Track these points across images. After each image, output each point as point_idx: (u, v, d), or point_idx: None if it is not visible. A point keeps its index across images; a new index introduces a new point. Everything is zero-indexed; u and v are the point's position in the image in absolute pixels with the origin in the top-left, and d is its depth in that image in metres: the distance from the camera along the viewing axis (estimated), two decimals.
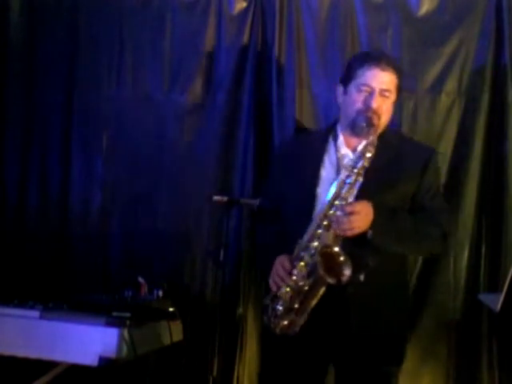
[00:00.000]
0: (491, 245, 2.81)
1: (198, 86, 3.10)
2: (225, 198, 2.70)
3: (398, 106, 2.88)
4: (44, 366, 2.44)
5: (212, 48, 3.09)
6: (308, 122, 2.92)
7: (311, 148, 2.23)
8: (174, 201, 3.07)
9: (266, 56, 3.02)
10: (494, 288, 2.71)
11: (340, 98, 2.22)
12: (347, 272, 1.89)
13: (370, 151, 1.99)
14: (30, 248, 3.14)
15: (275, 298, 2.03)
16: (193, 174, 3.06)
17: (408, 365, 2.80)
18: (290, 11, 2.99)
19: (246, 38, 3.04)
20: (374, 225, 1.96)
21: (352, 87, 2.14)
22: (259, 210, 2.42)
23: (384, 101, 2.11)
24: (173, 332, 2.61)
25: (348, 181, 1.99)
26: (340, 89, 2.21)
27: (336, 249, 1.93)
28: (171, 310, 2.67)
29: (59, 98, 3.22)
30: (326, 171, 2.14)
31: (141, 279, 2.68)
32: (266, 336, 2.17)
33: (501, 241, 2.78)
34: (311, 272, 1.96)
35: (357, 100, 2.11)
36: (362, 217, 1.95)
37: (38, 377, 2.48)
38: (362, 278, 1.97)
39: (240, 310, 2.94)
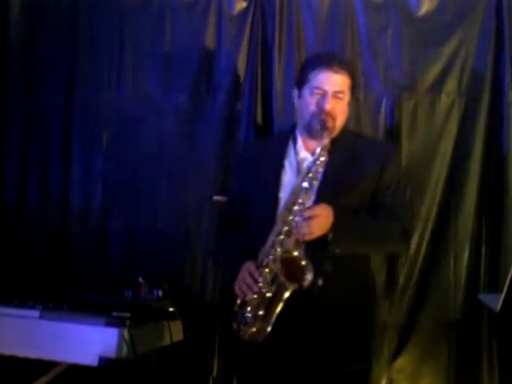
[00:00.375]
0: (491, 245, 2.81)
1: (197, 86, 3.10)
2: (225, 198, 2.70)
3: (398, 106, 2.91)
4: (44, 366, 2.43)
5: (212, 48, 3.09)
6: None
7: (272, 152, 2.23)
8: (174, 201, 3.07)
9: (266, 56, 3.03)
10: (494, 288, 2.71)
11: (296, 102, 2.23)
12: (309, 276, 1.90)
13: (323, 155, 2.00)
14: (29, 248, 3.14)
15: (243, 305, 2.02)
16: (193, 173, 3.06)
17: (408, 365, 2.82)
18: (290, 11, 2.99)
19: (246, 38, 3.04)
20: (334, 227, 1.95)
21: (305, 90, 2.14)
22: (224, 215, 2.40)
23: (338, 102, 2.11)
24: (173, 332, 2.61)
25: (304, 185, 1.99)
26: (295, 92, 2.22)
27: (296, 253, 1.94)
28: (171, 309, 2.66)
29: (59, 98, 3.22)
30: (287, 175, 2.14)
31: (141, 279, 2.68)
32: (235, 342, 2.17)
33: (501, 241, 2.78)
34: (274, 278, 1.96)
35: (310, 103, 2.12)
36: (321, 220, 1.94)
37: (38, 377, 2.47)
38: (320, 282, 1.96)
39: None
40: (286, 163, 2.17)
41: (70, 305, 2.44)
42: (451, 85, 2.89)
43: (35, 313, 2.36)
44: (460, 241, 2.83)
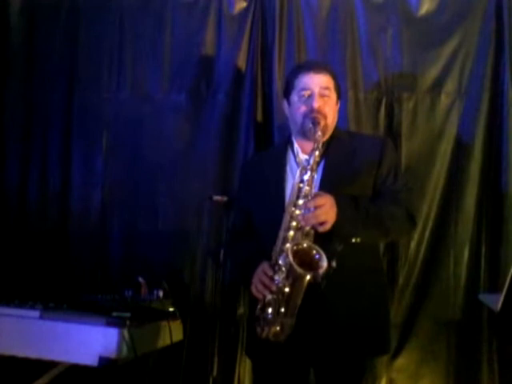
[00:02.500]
0: (491, 245, 2.81)
1: (198, 86, 3.10)
2: (225, 198, 2.70)
3: (398, 106, 2.91)
4: (44, 365, 2.43)
5: (212, 48, 3.09)
6: None
7: (273, 161, 2.30)
8: (174, 201, 3.07)
9: (266, 56, 3.03)
10: (494, 288, 2.71)
11: (287, 111, 2.32)
12: (323, 263, 1.90)
13: (317, 148, 2.05)
14: (30, 248, 3.14)
15: (264, 307, 2.02)
16: (193, 173, 3.06)
17: (408, 365, 2.82)
18: (290, 11, 3.00)
19: (246, 38, 3.04)
20: (339, 215, 1.98)
21: (294, 97, 2.23)
22: (233, 229, 2.44)
23: (326, 101, 2.19)
24: (173, 332, 2.61)
25: (304, 178, 2.03)
26: (285, 103, 2.32)
27: (305, 244, 1.96)
28: (171, 309, 2.66)
29: (59, 98, 3.22)
30: (290, 179, 2.19)
31: (141, 279, 2.68)
32: (251, 346, 2.23)
33: (501, 241, 2.78)
34: (289, 272, 1.96)
35: (300, 106, 2.20)
36: (327, 209, 1.96)
37: (38, 377, 2.47)
38: (334, 264, 1.96)
39: (240, 310, 2.94)
40: (288, 169, 2.23)
41: (70, 305, 2.44)
42: (451, 85, 2.89)
43: (35, 313, 2.35)
44: (460, 241, 2.83)
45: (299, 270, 1.91)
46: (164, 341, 2.59)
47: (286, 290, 1.97)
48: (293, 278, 1.95)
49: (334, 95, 2.22)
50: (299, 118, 2.20)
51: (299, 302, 1.97)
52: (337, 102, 2.26)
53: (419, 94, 2.91)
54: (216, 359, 2.68)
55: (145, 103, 3.14)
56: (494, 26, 2.85)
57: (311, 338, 2.06)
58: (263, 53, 3.04)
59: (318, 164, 2.06)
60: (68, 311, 2.38)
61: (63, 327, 2.31)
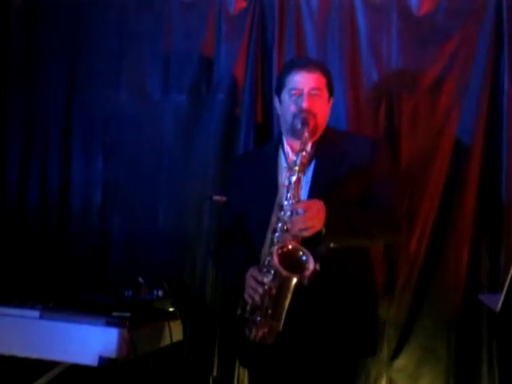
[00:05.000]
0: (491, 245, 2.81)
1: (197, 86, 3.10)
2: (224, 198, 2.70)
3: (398, 106, 2.90)
4: (44, 366, 2.43)
5: (212, 48, 3.09)
6: None
7: (264, 161, 2.28)
8: (174, 201, 3.07)
9: (266, 56, 3.03)
10: (494, 288, 2.71)
11: (278, 110, 2.29)
12: (310, 265, 1.89)
13: (303, 149, 2.02)
14: (30, 248, 3.14)
15: (254, 310, 2.03)
16: (193, 173, 3.06)
17: (408, 365, 2.82)
18: (290, 11, 2.99)
19: (245, 38, 3.03)
20: (326, 222, 1.95)
21: (284, 95, 2.20)
22: (222, 231, 2.45)
23: (316, 100, 2.15)
24: (173, 332, 2.61)
25: (292, 179, 2.01)
26: (276, 100, 2.29)
27: (291, 246, 1.94)
28: (171, 309, 2.67)
29: (59, 98, 3.22)
30: (281, 180, 2.16)
31: (141, 279, 2.68)
32: (241, 352, 2.24)
33: (501, 241, 2.78)
34: (275, 275, 1.95)
35: (290, 105, 2.17)
36: (314, 214, 1.94)
37: (38, 377, 2.48)
38: (317, 267, 1.94)
39: (239, 311, 2.94)
40: (279, 169, 2.21)
41: (70, 305, 2.44)
42: (451, 85, 2.89)
43: (35, 313, 2.36)
44: (460, 240, 2.82)
45: (284, 272, 1.89)
46: (164, 341, 2.59)
47: (273, 292, 1.95)
48: (279, 280, 1.93)
49: (325, 93, 2.19)
50: (289, 118, 2.17)
51: (287, 304, 1.96)
52: (329, 100, 2.23)
53: (419, 94, 2.90)
54: (216, 359, 2.68)
55: (145, 103, 3.14)
56: (494, 26, 2.85)
57: (297, 339, 2.05)
58: (263, 53, 3.03)
59: (306, 165, 2.03)
60: (68, 311, 2.38)
61: (63, 327, 2.31)
